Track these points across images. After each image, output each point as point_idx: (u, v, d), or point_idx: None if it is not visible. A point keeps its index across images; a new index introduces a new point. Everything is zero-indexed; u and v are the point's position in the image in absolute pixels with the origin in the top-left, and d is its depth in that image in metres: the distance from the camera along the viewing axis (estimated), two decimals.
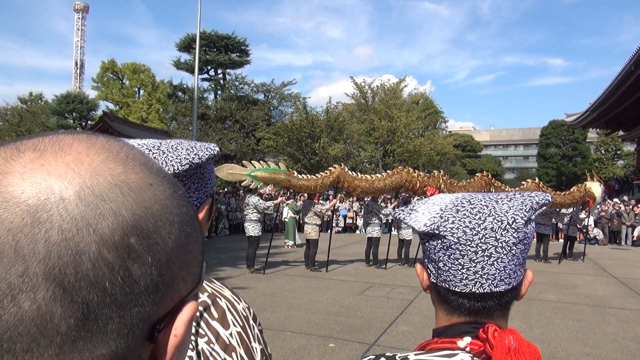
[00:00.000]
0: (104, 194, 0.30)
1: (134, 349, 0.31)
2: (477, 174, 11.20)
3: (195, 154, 0.90)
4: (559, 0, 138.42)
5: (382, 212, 10.54)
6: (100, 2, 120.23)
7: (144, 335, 0.32)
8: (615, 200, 20.51)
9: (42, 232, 0.27)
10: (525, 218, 0.73)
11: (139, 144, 0.92)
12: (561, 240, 14.60)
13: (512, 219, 0.73)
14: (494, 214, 0.73)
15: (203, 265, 0.39)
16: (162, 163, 0.87)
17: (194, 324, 0.81)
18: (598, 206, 15.13)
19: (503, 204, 0.75)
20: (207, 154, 0.91)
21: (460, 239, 0.72)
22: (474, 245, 0.72)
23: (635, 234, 17.65)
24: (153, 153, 0.89)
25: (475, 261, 0.72)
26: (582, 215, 13.28)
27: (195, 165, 0.89)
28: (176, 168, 0.87)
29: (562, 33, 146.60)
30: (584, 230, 14.00)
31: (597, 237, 17.43)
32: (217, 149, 0.95)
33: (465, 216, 0.73)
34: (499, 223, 0.72)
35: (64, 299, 0.27)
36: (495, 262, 0.72)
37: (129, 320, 0.30)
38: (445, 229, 0.73)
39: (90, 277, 0.28)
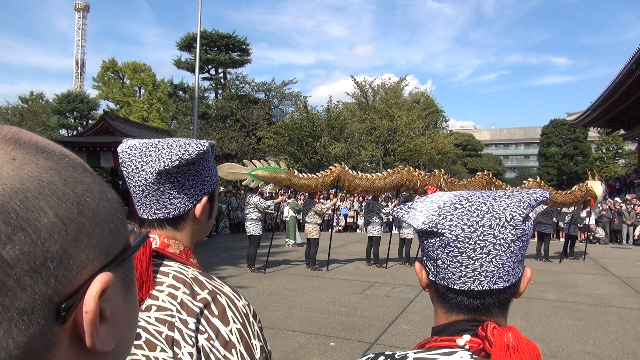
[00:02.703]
0: None
1: (39, 335, 0.29)
2: (478, 173, 11.20)
3: (185, 150, 0.91)
4: None
5: (383, 211, 10.53)
6: (103, 0, 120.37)
7: (48, 318, 0.30)
8: (617, 199, 20.48)
9: None
10: (523, 215, 0.73)
11: (139, 143, 0.94)
12: (562, 239, 14.58)
13: (510, 216, 0.73)
14: (492, 211, 0.73)
15: (123, 235, 0.37)
16: (155, 159, 0.90)
17: (194, 320, 0.81)
18: (599, 205, 15.11)
19: (501, 201, 0.75)
20: (196, 150, 0.92)
21: (459, 236, 0.72)
22: (472, 243, 0.72)
23: (637, 232, 17.62)
24: (150, 150, 0.91)
25: (474, 258, 0.72)
26: (583, 214, 13.25)
27: (185, 162, 0.91)
28: (166, 164, 0.89)
29: (566, 32, 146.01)
30: (587, 231, 13.98)
31: (598, 236, 17.42)
32: (207, 144, 0.96)
33: (463, 213, 0.73)
34: (497, 220, 0.72)
35: None
36: (493, 259, 0.72)
37: (21, 305, 0.28)
38: (443, 226, 0.73)
39: None
